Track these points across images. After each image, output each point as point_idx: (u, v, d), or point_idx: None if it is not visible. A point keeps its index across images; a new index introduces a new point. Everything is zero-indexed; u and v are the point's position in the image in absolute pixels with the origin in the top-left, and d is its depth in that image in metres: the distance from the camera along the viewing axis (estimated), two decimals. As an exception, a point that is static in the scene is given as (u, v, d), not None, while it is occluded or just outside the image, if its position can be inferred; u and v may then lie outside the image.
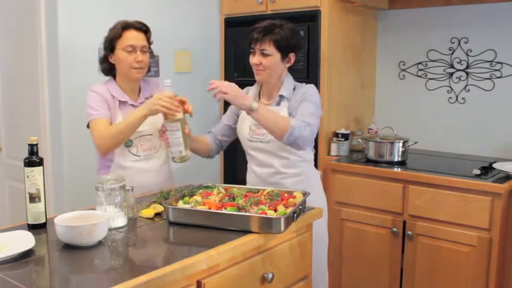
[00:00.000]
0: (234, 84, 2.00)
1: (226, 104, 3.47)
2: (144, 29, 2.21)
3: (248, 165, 2.29)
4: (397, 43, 3.41)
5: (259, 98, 2.25)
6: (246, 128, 2.20)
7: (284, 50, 2.09)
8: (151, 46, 2.26)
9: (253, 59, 2.12)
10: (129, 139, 2.15)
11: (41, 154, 1.75)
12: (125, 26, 2.16)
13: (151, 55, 2.27)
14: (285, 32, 2.08)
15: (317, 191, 2.23)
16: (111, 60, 2.20)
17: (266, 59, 2.09)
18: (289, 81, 2.19)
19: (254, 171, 2.23)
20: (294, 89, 2.18)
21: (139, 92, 2.28)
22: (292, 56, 2.14)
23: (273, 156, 2.16)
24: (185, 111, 2.05)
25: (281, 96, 2.15)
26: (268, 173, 2.18)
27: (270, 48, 2.07)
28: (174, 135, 2.00)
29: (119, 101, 2.19)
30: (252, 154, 2.22)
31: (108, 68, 2.23)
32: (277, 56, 2.09)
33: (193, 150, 2.18)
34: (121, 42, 2.14)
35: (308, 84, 2.22)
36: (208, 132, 2.35)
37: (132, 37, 2.15)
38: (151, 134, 2.22)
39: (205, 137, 2.31)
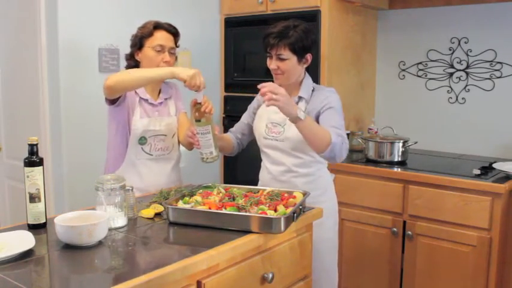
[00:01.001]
0: (283, 91, 1.87)
1: (226, 105, 3.49)
2: (173, 32, 2.25)
3: (262, 163, 2.29)
4: (397, 43, 3.41)
5: None
6: (262, 125, 2.21)
7: (300, 52, 2.08)
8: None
9: (271, 64, 2.11)
10: (143, 136, 2.19)
11: (41, 154, 1.74)
12: (157, 26, 2.21)
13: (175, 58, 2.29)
14: (299, 34, 2.06)
15: (328, 193, 2.22)
16: (137, 58, 2.23)
17: (283, 63, 2.08)
18: (307, 82, 2.18)
19: (267, 169, 2.23)
20: (312, 90, 2.17)
21: (160, 92, 2.30)
22: (308, 57, 2.13)
23: (287, 155, 2.16)
24: (210, 112, 2.05)
25: (300, 98, 2.14)
26: (280, 170, 2.18)
27: (286, 53, 2.06)
28: (205, 138, 2.01)
29: (140, 97, 2.22)
30: (266, 152, 2.23)
31: (133, 65, 2.25)
32: (293, 59, 2.08)
33: (219, 148, 2.17)
34: (151, 40, 2.19)
35: (328, 88, 2.21)
36: (229, 131, 2.39)
37: (163, 37, 2.20)
38: (165, 135, 2.25)
39: (228, 135, 2.34)
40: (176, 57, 2.29)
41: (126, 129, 2.20)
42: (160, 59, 2.18)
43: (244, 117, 2.36)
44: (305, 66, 2.16)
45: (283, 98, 1.85)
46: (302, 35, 2.07)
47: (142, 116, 2.20)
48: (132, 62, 2.26)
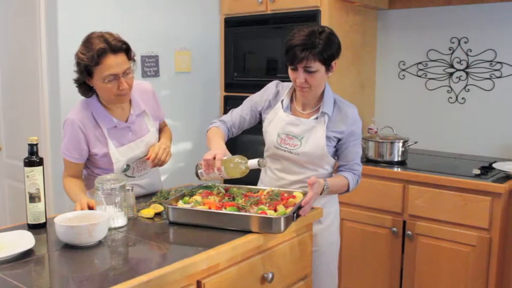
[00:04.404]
0: (314, 193, 1.79)
1: (226, 105, 3.49)
2: (124, 48, 1.90)
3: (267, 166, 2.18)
4: (397, 43, 3.41)
5: (292, 103, 2.09)
6: (273, 133, 2.06)
7: (328, 62, 1.90)
8: (133, 49, 2.00)
9: (298, 78, 1.91)
10: (127, 165, 2.04)
11: (41, 154, 1.75)
12: (102, 52, 1.83)
13: (133, 61, 1.99)
14: (324, 42, 1.87)
15: (334, 198, 2.18)
16: (90, 84, 1.94)
17: (312, 77, 1.90)
18: (329, 94, 2.03)
19: (275, 174, 2.11)
20: (334, 103, 2.03)
21: (130, 105, 2.07)
22: (334, 64, 1.94)
23: (301, 168, 2.04)
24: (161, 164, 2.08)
25: (322, 113, 2.00)
26: (292, 180, 2.06)
27: (316, 65, 1.87)
28: (218, 175, 1.88)
29: (107, 128, 1.99)
30: (275, 158, 2.10)
31: (89, 90, 1.98)
32: (322, 69, 1.90)
33: None
34: (100, 71, 1.85)
35: (348, 103, 2.06)
36: (222, 120, 2.18)
37: (112, 64, 1.85)
38: (147, 155, 2.08)
39: (223, 135, 2.10)
40: (134, 60, 1.99)
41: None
42: (115, 88, 1.89)
43: (245, 112, 2.16)
44: (330, 74, 1.97)
45: (315, 198, 1.81)
46: (328, 41, 1.88)
47: (117, 146, 2.00)
48: (86, 89, 1.97)
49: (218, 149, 1.88)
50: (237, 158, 1.82)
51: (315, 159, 2.01)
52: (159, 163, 2.06)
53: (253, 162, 1.80)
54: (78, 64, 1.90)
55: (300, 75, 1.91)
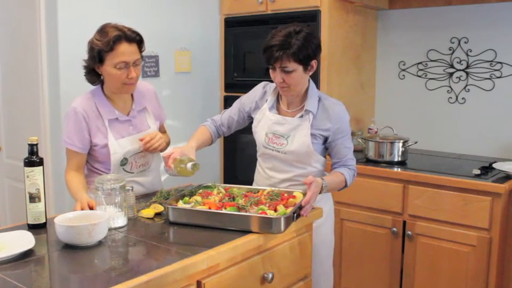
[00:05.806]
0: (314, 192, 1.81)
1: (226, 105, 3.49)
2: (137, 39, 1.98)
3: (258, 164, 2.21)
4: (397, 43, 3.41)
5: (278, 102, 2.12)
6: (261, 134, 2.10)
7: (305, 61, 1.93)
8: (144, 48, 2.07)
9: (276, 78, 1.96)
10: (124, 158, 2.05)
11: (41, 154, 1.75)
12: (118, 38, 1.91)
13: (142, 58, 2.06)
14: (301, 42, 1.90)
15: (327, 196, 2.17)
16: (99, 71, 2.00)
17: (289, 77, 1.93)
18: (313, 92, 2.05)
19: (266, 174, 2.14)
20: (319, 100, 2.05)
21: (132, 101, 2.12)
22: (314, 63, 1.97)
23: (290, 166, 2.07)
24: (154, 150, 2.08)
25: (306, 111, 2.02)
26: (281, 178, 2.09)
27: (291, 64, 1.90)
28: (175, 175, 1.93)
29: (108, 119, 2.02)
30: (265, 157, 2.13)
31: (96, 78, 2.04)
32: (299, 69, 1.93)
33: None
34: (112, 57, 1.92)
35: (334, 100, 2.08)
36: (212, 120, 2.24)
37: (125, 52, 1.92)
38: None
39: (206, 135, 2.17)
40: (142, 57, 2.05)
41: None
42: (124, 76, 1.94)
43: (233, 113, 2.21)
44: (310, 73, 2.00)
45: (314, 197, 1.82)
46: (304, 42, 1.91)
47: (117, 138, 2.03)
48: (93, 76, 2.03)
49: (179, 148, 1.95)
50: (187, 160, 1.89)
51: (301, 157, 2.04)
52: (150, 148, 2.07)
53: (189, 165, 1.87)
54: (91, 49, 1.97)
55: (278, 75, 1.95)
